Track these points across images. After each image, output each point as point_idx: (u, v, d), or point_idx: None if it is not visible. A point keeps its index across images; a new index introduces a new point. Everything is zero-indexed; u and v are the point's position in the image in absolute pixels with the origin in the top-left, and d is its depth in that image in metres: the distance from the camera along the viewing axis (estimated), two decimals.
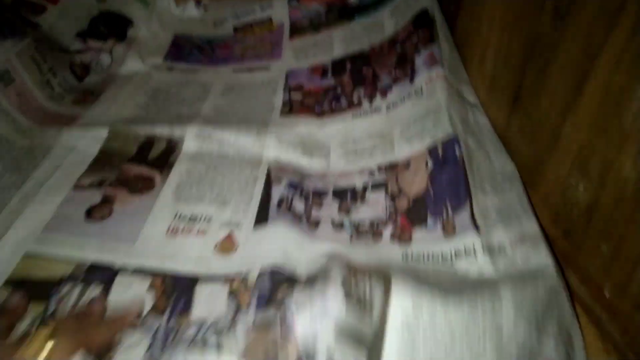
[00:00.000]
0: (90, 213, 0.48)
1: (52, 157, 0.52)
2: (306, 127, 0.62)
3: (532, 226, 0.44)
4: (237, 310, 0.40)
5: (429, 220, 0.47)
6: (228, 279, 0.43)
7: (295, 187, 0.52)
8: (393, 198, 0.50)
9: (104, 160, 0.53)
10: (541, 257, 0.42)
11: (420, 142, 0.53)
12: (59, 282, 0.41)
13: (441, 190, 0.48)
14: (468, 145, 0.51)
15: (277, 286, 0.41)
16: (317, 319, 0.36)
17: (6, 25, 0.63)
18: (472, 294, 0.37)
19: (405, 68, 0.63)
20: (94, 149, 0.53)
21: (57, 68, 0.65)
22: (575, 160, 0.44)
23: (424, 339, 0.34)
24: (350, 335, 0.36)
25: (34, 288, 0.41)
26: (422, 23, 0.66)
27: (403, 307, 0.35)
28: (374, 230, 0.48)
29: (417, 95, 0.59)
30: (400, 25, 0.69)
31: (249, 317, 0.39)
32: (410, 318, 0.35)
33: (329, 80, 0.69)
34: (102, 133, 0.55)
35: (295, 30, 0.80)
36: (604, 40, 0.39)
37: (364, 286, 0.38)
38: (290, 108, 0.66)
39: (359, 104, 0.64)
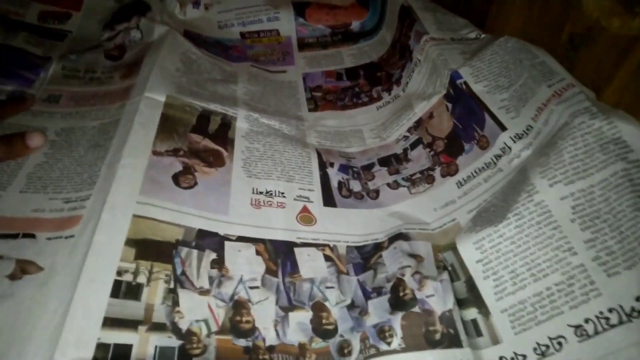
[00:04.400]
0: (177, 180, 0.45)
1: (121, 127, 0.49)
2: (336, 120, 0.62)
3: (545, 90, 0.45)
4: (339, 274, 0.42)
5: (466, 147, 0.50)
6: (319, 246, 0.44)
7: (346, 169, 0.53)
8: (431, 145, 0.53)
9: (169, 127, 0.49)
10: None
11: (435, 96, 0.55)
12: (175, 245, 0.39)
13: (464, 119, 0.51)
14: (471, 66, 0.52)
15: (368, 256, 0.44)
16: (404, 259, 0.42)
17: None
18: (515, 204, 0.39)
19: (405, 55, 0.64)
20: (155, 115, 0.50)
21: (94, 64, 0.62)
22: None
23: (500, 266, 0.38)
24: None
25: (156, 248, 0.39)
26: (404, 16, 0.67)
27: (473, 259, 0.39)
28: (426, 176, 0.51)
29: (417, 66, 0.60)
30: (394, 29, 0.70)
31: (351, 280, 0.42)
32: (481, 262, 0.39)
33: (345, 82, 0.68)
34: (160, 98, 0.52)
35: (303, 45, 0.76)
36: (610, 74, 0.40)
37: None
38: (315, 105, 0.65)
39: (379, 97, 0.65)
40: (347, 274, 0.42)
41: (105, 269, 0.37)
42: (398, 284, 0.40)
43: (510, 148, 0.46)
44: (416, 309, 0.38)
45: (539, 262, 0.37)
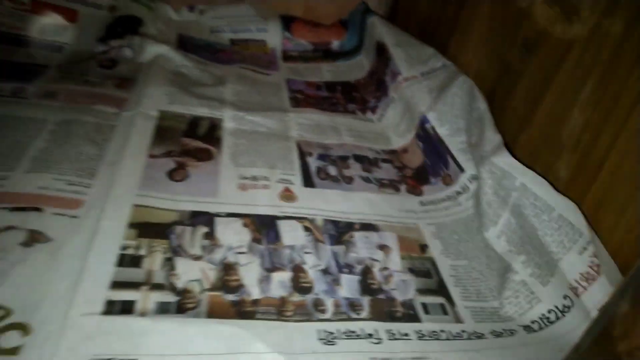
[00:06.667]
0: (171, 176, 0.51)
1: (118, 133, 0.55)
2: (316, 115, 0.67)
3: (494, 137, 0.52)
4: (316, 242, 0.47)
5: (432, 180, 0.57)
6: (299, 219, 0.49)
7: (324, 157, 0.58)
8: (399, 169, 0.60)
9: (162, 135, 0.56)
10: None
11: (409, 134, 0.63)
12: (170, 225, 0.45)
13: (432, 158, 0.59)
14: (437, 110, 0.59)
15: (342, 232, 0.49)
16: (373, 249, 0.48)
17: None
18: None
19: (381, 89, 0.71)
20: (150, 126, 0.57)
21: (87, 70, 0.68)
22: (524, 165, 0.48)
23: (469, 284, 0.46)
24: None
25: (154, 229, 0.44)
26: (380, 52, 0.75)
27: (448, 275, 0.47)
28: (393, 185, 0.57)
29: (392, 103, 0.68)
30: (372, 61, 0.78)
31: (326, 248, 0.47)
32: (454, 277, 0.47)
33: (324, 92, 0.74)
34: (153, 113, 0.58)
35: (287, 57, 0.82)
36: (555, 71, 0.47)
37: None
38: (296, 103, 0.69)
39: (354, 112, 0.70)
40: (323, 242, 0.47)
41: (111, 246, 0.42)
42: (367, 271, 0.45)
43: (468, 187, 0.53)
44: (382, 296, 0.43)
45: (495, 284, 0.45)
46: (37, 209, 0.44)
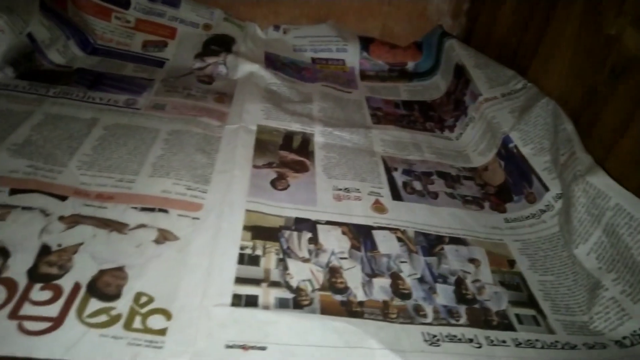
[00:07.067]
0: (274, 184, 0.55)
1: (224, 144, 0.60)
2: (397, 132, 0.70)
3: (586, 157, 0.52)
4: (410, 252, 0.50)
5: (515, 198, 0.59)
6: (392, 229, 0.52)
7: (409, 173, 0.61)
8: (481, 186, 0.62)
9: (262, 147, 0.61)
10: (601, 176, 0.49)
11: (489, 153, 0.65)
12: (279, 229, 0.49)
13: (515, 176, 0.60)
14: (520, 130, 0.61)
15: (432, 244, 0.52)
16: (463, 262, 0.50)
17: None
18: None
19: (460, 108, 0.74)
20: (251, 139, 0.61)
21: (189, 84, 0.74)
22: None
23: (558, 299, 0.48)
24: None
25: (265, 232, 0.49)
26: (459, 74, 0.78)
27: (537, 289, 0.50)
28: (476, 202, 0.59)
29: (472, 122, 0.71)
30: (448, 82, 0.80)
31: (420, 259, 0.50)
32: (543, 292, 0.49)
33: (402, 110, 0.77)
34: (252, 127, 0.64)
35: (364, 76, 0.86)
36: None
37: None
38: (377, 120, 0.73)
39: (432, 130, 0.73)
40: (417, 253, 0.51)
41: (231, 245, 0.47)
42: (460, 282, 0.48)
43: (553, 206, 0.55)
44: (477, 306, 0.46)
45: (584, 300, 0.47)
46: (163, 210, 0.50)
